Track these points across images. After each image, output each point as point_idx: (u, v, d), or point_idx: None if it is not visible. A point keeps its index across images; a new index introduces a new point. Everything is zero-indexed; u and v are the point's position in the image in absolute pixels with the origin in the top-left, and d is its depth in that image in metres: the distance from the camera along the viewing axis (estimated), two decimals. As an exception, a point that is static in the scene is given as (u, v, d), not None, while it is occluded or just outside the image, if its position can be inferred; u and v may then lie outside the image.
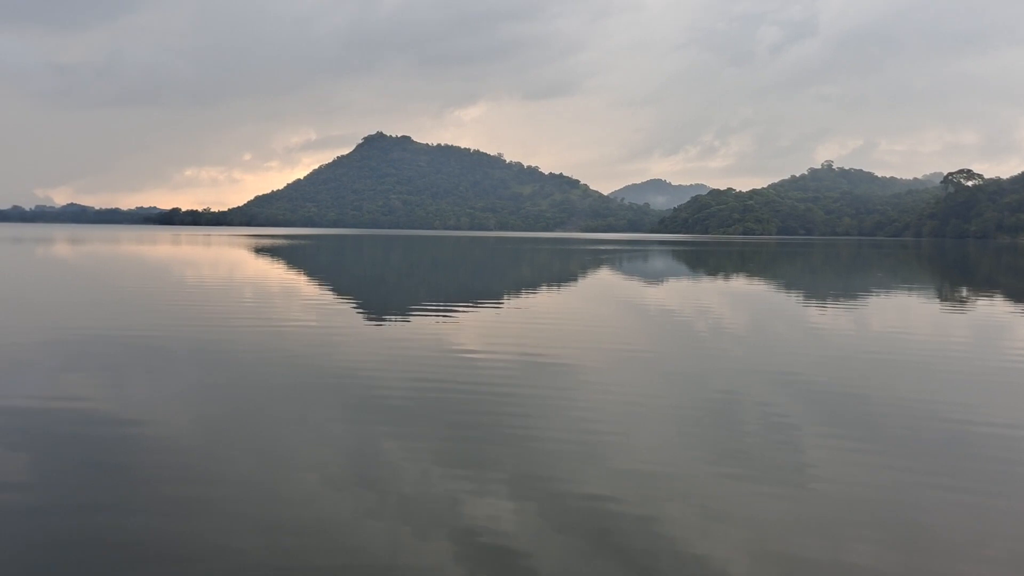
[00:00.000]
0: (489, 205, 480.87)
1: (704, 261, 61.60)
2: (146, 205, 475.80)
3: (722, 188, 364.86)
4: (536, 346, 14.70)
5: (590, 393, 10.69)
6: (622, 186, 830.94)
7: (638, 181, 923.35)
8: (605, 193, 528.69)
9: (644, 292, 29.91)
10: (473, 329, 17.69)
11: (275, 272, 37.63)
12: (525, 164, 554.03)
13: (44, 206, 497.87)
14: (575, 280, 36.24)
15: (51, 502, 6.11)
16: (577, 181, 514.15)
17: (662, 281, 36.33)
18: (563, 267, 48.85)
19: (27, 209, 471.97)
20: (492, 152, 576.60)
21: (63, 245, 72.81)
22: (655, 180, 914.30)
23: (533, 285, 32.52)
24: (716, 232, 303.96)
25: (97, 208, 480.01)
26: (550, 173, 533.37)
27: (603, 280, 36.70)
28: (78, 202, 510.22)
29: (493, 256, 66.15)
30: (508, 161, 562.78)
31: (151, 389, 10.55)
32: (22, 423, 8.51)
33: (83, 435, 8.06)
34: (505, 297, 26.11)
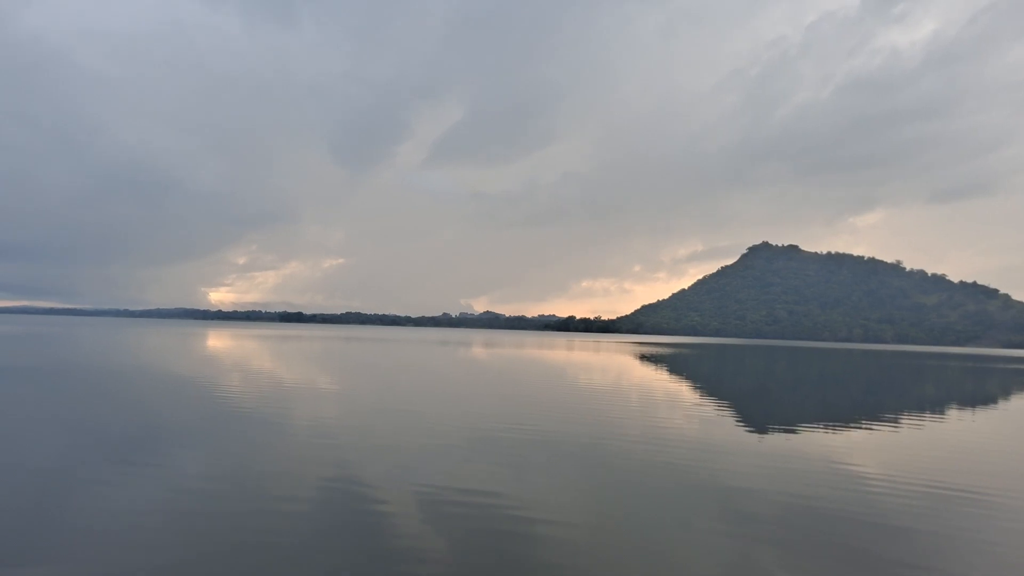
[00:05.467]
0: (886, 316, 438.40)
1: None
2: (547, 313, 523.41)
3: None
4: (945, 476, 13.19)
5: (1019, 536, 9.26)
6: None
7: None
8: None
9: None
10: (868, 450, 16.25)
11: (658, 379, 38.74)
12: (929, 272, 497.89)
13: (466, 313, 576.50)
14: (994, 403, 31.29)
15: None
16: (996, 290, 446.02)
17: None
18: (979, 388, 42.53)
19: (453, 315, 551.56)
20: (889, 259, 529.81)
21: (479, 348, 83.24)
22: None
23: (939, 406, 28.86)
24: None
25: (507, 316, 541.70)
26: (960, 281, 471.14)
27: (1037, 405, 31.22)
28: (493, 310, 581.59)
29: (891, 371, 60.07)
30: (908, 269, 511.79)
31: (545, 483, 11.55)
32: (433, 505, 9.95)
33: (483, 521, 9.18)
34: (905, 417, 23.62)
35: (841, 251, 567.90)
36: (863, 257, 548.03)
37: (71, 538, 7.92)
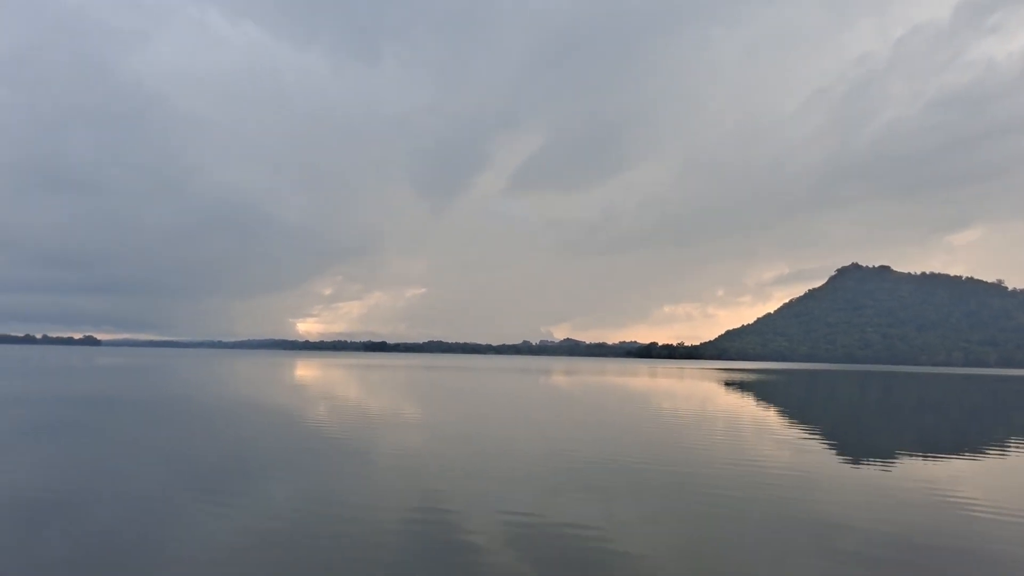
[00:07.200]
0: (988, 338, 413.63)
1: None
2: (628, 340, 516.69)
3: None
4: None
5: None
6: None
7: None
8: None
9: None
10: (973, 480, 15.46)
11: (746, 407, 37.76)
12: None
13: (546, 341, 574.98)
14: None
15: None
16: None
17: None
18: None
19: (533, 343, 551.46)
20: (989, 279, 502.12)
21: (561, 376, 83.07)
22: None
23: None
24: None
25: (588, 343, 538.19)
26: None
27: None
28: (573, 337, 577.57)
29: (996, 396, 56.81)
30: (1011, 288, 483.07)
31: (632, 513, 11.42)
32: (520, 534, 9.97)
33: (571, 551, 9.14)
34: (1014, 445, 22.38)
35: (936, 271, 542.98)
36: (961, 277, 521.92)
37: (168, 565, 8.26)
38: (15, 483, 12.76)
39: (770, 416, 31.73)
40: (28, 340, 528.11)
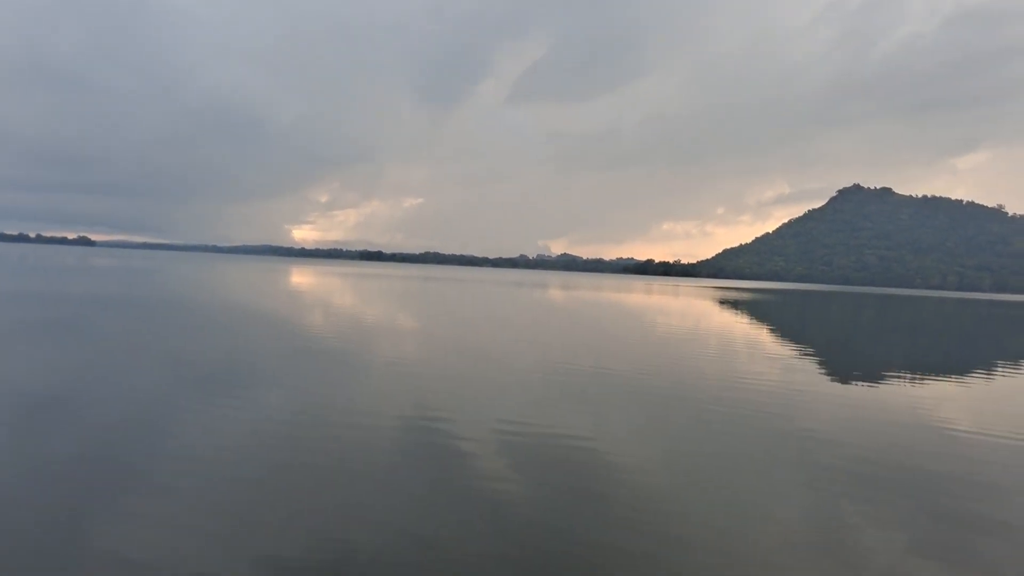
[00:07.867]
0: (984, 263, 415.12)
1: None
2: (625, 256, 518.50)
3: None
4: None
5: None
6: None
7: None
8: None
9: None
10: (959, 403, 15.58)
11: (738, 325, 37.98)
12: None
13: (543, 255, 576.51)
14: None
15: (532, 514, 7.20)
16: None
17: None
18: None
19: (530, 257, 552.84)
20: (990, 204, 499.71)
21: (556, 290, 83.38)
22: None
23: (1044, 360, 27.46)
24: None
25: (585, 258, 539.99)
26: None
27: None
28: (570, 252, 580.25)
29: (987, 321, 57.20)
30: (1011, 214, 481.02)
31: (623, 424, 11.51)
32: (511, 443, 10.03)
33: (561, 461, 9.19)
34: (1000, 369, 22.59)
35: (938, 194, 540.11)
36: (961, 201, 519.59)
37: (166, 464, 8.30)
38: (14, 382, 12.78)
39: (762, 335, 31.94)
40: (22, 239, 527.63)
